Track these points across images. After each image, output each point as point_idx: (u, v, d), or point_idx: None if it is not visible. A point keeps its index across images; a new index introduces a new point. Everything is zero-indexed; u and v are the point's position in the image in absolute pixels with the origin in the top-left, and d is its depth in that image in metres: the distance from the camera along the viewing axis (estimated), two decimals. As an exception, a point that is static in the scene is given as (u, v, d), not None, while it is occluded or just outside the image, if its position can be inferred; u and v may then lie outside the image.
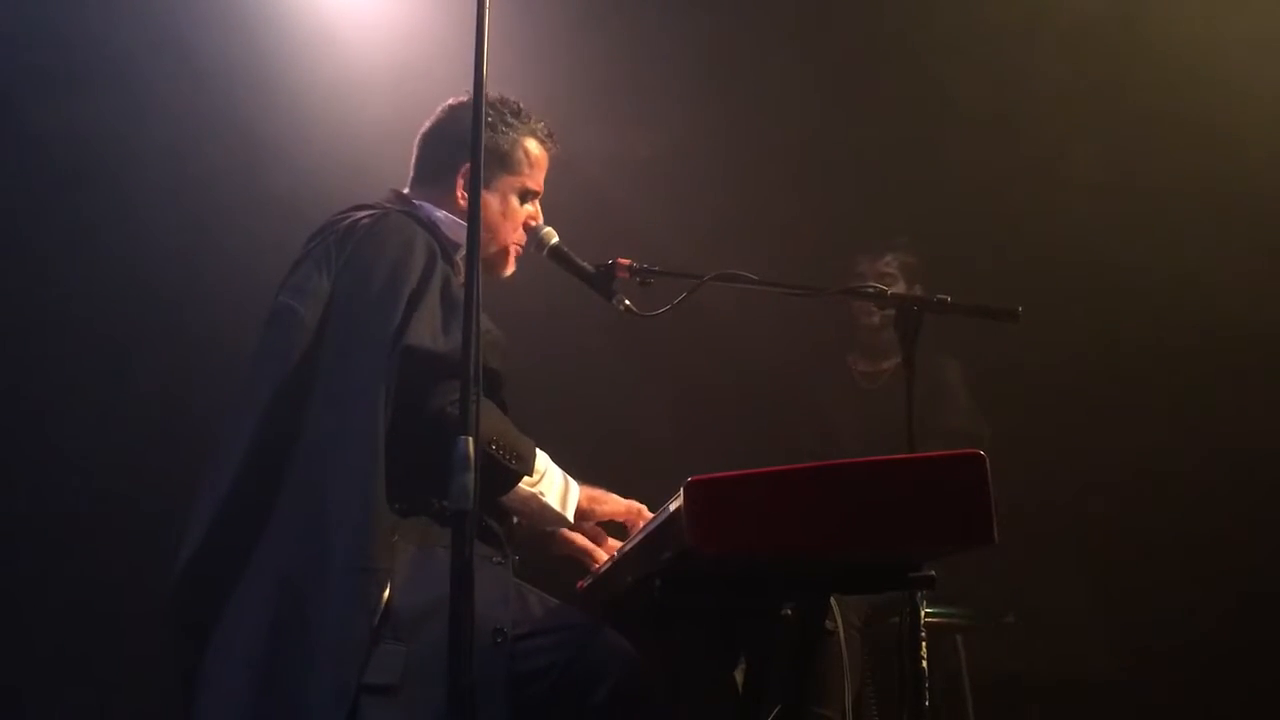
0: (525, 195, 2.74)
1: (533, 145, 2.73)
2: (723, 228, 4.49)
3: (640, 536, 2.22)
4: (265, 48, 4.25)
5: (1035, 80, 4.49)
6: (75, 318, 4.14)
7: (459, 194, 2.64)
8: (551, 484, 2.56)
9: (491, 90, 2.65)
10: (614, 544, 2.76)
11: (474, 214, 1.92)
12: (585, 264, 2.80)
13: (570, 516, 2.61)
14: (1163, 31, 4.35)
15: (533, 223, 2.76)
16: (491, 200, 2.66)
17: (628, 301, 2.79)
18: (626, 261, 2.80)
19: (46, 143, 4.05)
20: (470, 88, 1.98)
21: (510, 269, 2.76)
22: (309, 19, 4.33)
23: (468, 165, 2.52)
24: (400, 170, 2.80)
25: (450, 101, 2.76)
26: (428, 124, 2.77)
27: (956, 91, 4.60)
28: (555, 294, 3.26)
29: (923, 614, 2.87)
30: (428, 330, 2.30)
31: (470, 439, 1.78)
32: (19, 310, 4.10)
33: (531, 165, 2.73)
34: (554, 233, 2.80)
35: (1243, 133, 4.38)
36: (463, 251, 2.50)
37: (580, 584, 2.70)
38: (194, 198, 4.16)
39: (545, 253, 2.80)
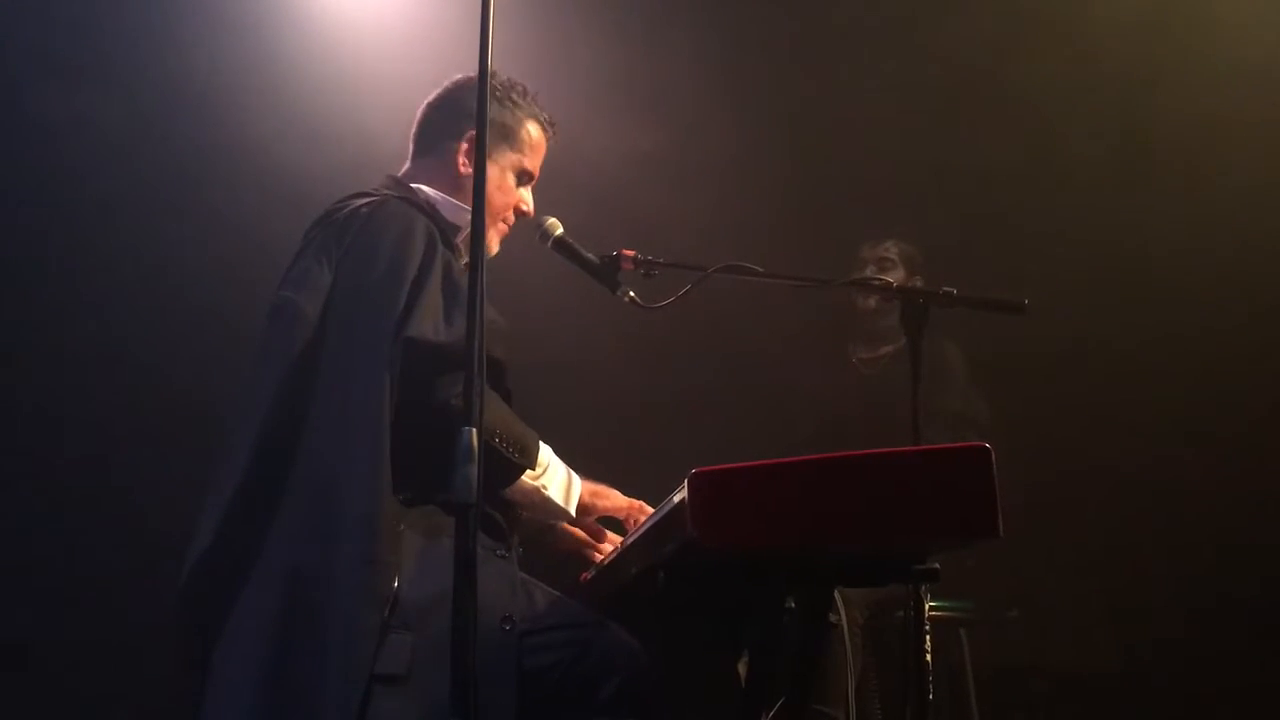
0: (522, 176, 2.74)
1: (534, 129, 2.74)
2: (727, 220, 4.49)
3: (644, 528, 2.21)
4: (265, 39, 4.26)
5: (1039, 68, 4.49)
6: (79, 313, 4.14)
7: (460, 159, 2.67)
8: (554, 477, 2.55)
9: (500, 74, 2.69)
10: (614, 538, 2.76)
11: (479, 194, 1.90)
12: (590, 255, 2.79)
13: (573, 510, 2.61)
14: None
15: (524, 206, 2.75)
16: (491, 170, 2.64)
17: (632, 293, 2.78)
18: (631, 253, 2.79)
19: (47, 132, 4.04)
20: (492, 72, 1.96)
21: (494, 249, 2.74)
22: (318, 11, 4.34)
23: (471, 133, 2.60)
24: (402, 159, 2.80)
25: (457, 77, 2.76)
26: (432, 95, 2.78)
27: (962, 80, 4.60)
28: (559, 286, 3.25)
29: (927, 607, 2.86)
30: (430, 321, 2.28)
31: (474, 431, 1.77)
32: (23, 305, 4.10)
33: (532, 148, 2.74)
34: (559, 224, 2.79)
35: (1251, 119, 4.38)
36: (462, 234, 2.54)
37: (583, 576, 2.69)
38: (197, 190, 4.17)
39: (550, 244, 2.79)
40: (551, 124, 2.78)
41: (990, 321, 3.06)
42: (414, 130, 2.77)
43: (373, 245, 2.38)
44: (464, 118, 2.65)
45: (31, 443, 4.06)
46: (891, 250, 4.28)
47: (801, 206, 4.72)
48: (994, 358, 4.27)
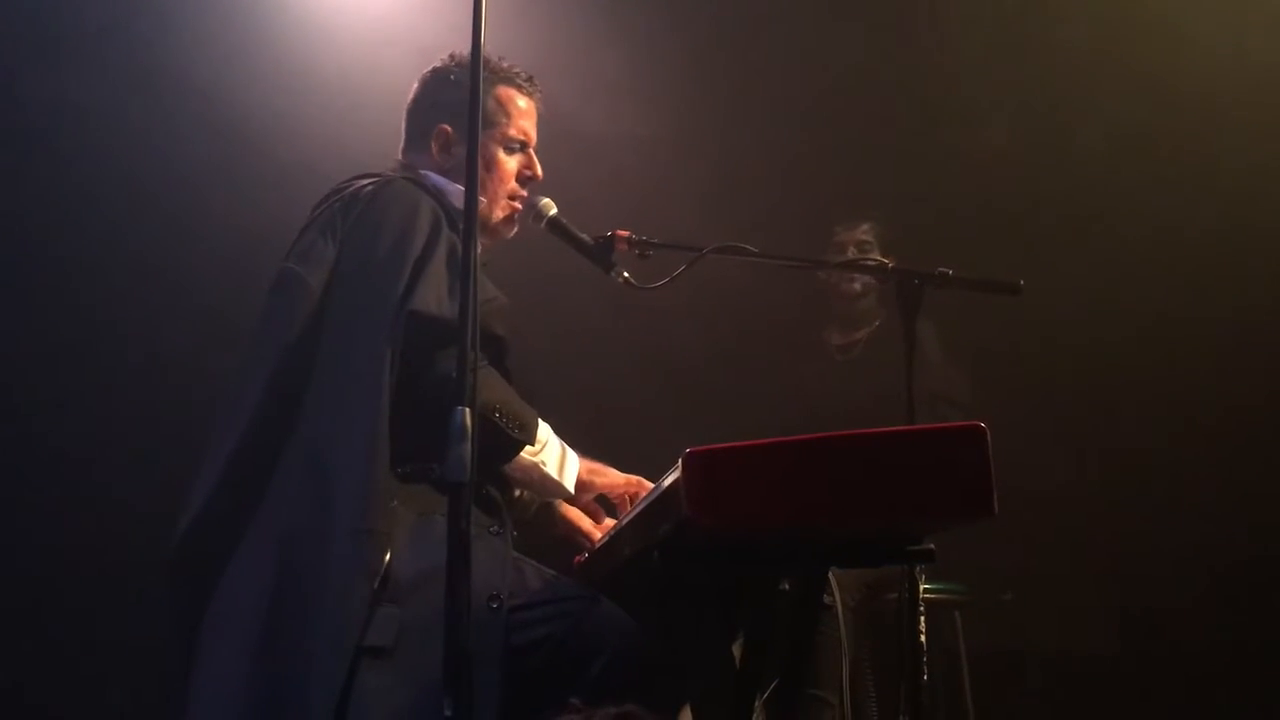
0: (509, 145, 2.69)
1: (507, 93, 2.69)
2: (721, 202, 4.47)
3: (638, 509, 2.21)
4: (256, 22, 4.24)
5: (1037, 49, 4.48)
6: (72, 293, 4.12)
7: (434, 153, 2.67)
8: (552, 454, 2.55)
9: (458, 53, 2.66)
10: (611, 522, 2.75)
11: (471, 178, 1.89)
12: (584, 236, 2.78)
13: (570, 487, 2.61)
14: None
15: (527, 172, 2.71)
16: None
17: (626, 274, 2.77)
18: (625, 234, 2.78)
19: (31, 114, 4.02)
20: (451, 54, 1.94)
21: (512, 228, 2.73)
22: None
23: (440, 126, 2.66)
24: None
25: (426, 70, 2.75)
26: (409, 96, 2.77)
27: (958, 64, 4.59)
28: (550, 266, 3.24)
29: (921, 589, 2.86)
30: (433, 295, 2.29)
31: (467, 410, 1.76)
32: (14, 288, 4.08)
33: (508, 114, 2.67)
34: (552, 204, 2.78)
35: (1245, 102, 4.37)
36: None
37: (577, 559, 2.69)
38: (192, 170, 4.15)
39: (544, 224, 2.78)
40: (529, 79, 2.72)
41: (988, 300, 3.05)
42: (402, 130, 2.78)
43: (377, 221, 2.39)
44: (431, 110, 2.68)
45: (23, 424, 4.04)
46: (869, 233, 4.26)
47: (799, 188, 4.70)
48: (990, 338, 4.26)
